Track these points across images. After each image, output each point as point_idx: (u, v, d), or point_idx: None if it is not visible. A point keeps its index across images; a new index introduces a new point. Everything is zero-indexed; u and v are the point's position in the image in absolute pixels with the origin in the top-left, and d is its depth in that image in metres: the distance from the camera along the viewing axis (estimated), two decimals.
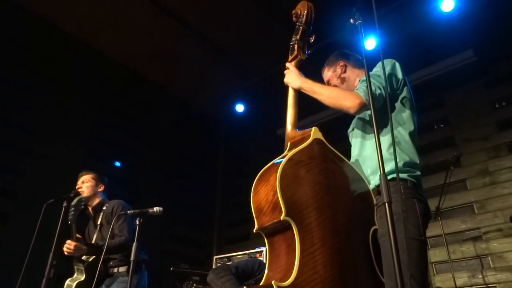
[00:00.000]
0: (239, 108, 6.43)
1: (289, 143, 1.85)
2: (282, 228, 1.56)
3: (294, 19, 2.14)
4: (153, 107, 6.37)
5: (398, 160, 1.73)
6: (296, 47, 2.08)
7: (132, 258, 2.32)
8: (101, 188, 3.32)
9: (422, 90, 5.01)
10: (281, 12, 5.90)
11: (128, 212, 2.68)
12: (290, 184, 1.57)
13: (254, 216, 1.64)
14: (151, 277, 3.25)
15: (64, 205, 2.90)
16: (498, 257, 4.07)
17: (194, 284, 4.02)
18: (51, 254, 2.72)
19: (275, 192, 1.56)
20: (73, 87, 5.34)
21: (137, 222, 2.46)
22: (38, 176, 4.59)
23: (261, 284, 1.53)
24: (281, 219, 1.50)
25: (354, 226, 1.69)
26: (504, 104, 4.65)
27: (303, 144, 1.72)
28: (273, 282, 1.37)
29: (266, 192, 1.61)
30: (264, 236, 1.65)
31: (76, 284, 2.87)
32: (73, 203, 2.94)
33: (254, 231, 1.62)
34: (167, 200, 5.88)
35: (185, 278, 4.16)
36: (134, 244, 2.37)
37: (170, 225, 6.01)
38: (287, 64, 2.07)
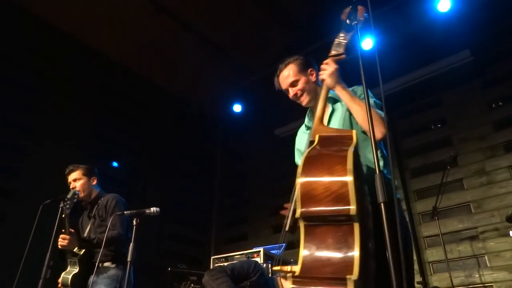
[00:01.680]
0: (237, 108, 6.43)
1: (317, 136, 1.76)
2: (338, 221, 1.51)
3: (344, 17, 1.96)
4: (151, 106, 6.37)
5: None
6: (344, 45, 1.95)
7: (129, 259, 2.32)
8: (94, 181, 3.30)
9: (419, 90, 5.04)
10: (281, 12, 5.92)
11: (125, 212, 2.68)
12: (354, 180, 1.54)
13: (300, 200, 1.54)
14: (148, 277, 3.25)
15: (61, 205, 2.90)
16: (494, 256, 4.09)
17: (192, 284, 4.02)
18: (48, 255, 2.73)
19: (345, 184, 1.51)
20: (71, 87, 5.33)
21: (134, 222, 2.46)
22: (35, 176, 4.58)
23: (298, 273, 1.44)
24: (350, 214, 1.45)
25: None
26: (500, 104, 4.67)
27: (352, 145, 1.66)
28: (347, 276, 1.34)
29: (330, 181, 1.54)
30: (304, 223, 1.54)
31: (72, 276, 2.90)
32: (68, 195, 2.93)
33: (297, 215, 1.52)
34: (165, 200, 5.88)
35: (182, 278, 4.16)
36: (131, 244, 2.37)
37: (168, 225, 6.00)
38: (329, 60, 1.95)
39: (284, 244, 4.87)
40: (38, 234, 2.88)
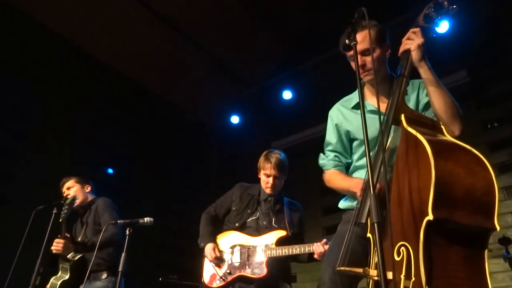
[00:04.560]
0: (234, 119, 6.45)
1: (403, 116, 1.46)
2: (472, 238, 1.24)
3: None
4: (148, 114, 6.37)
5: None
6: (434, 20, 1.69)
7: (120, 269, 2.30)
8: (88, 189, 3.35)
9: None
10: (280, 25, 5.98)
11: (118, 221, 2.66)
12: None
13: (432, 195, 1.16)
14: (139, 287, 3.22)
15: (54, 211, 2.89)
16: None
17: None
18: (38, 261, 2.71)
19: (493, 193, 1.24)
20: (68, 93, 5.32)
21: (127, 232, 2.44)
22: (28, 182, 4.55)
23: None
24: (497, 229, 1.21)
25: None
26: (496, 125, 4.70)
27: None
28: None
29: (474, 182, 1.24)
30: (428, 232, 1.17)
31: (61, 283, 2.87)
32: (67, 201, 2.96)
33: (428, 218, 1.16)
34: (159, 209, 5.84)
35: None
36: (123, 254, 2.35)
37: (161, 234, 5.96)
38: (417, 30, 1.68)
39: None
40: (30, 240, 2.84)
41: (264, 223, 2.75)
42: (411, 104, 1.85)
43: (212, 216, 2.93)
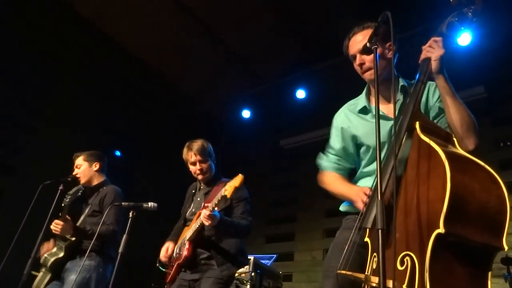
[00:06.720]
0: (246, 113, 6.44)
1: (418, 124, 1.43)
2: (478, 255, 1.23)
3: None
4: (160, 101, 6.40)
5: None
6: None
7: (120, 250, 2.31)
8: (97, 167, 3.24)
9: None
10: (299, 25, 5.94)
11: (122, 204, 2.66)
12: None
13: (445, 208, 1.15)
14: (137, 273, 3.24)
15: (60, 188, 2.90)
16: None
17: None
18: (40, 235, 2.73)
19: (505, 212, 1.24)
20: (83, 71, 5.36)
21: (131, 215, 2.44)
22: (38, 156, 4.61)
23: None
24: (504, 249, 1.19)
25: None
26: (508, 144, 4.65)
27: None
28: None
29: (488, 200, 1.24)
30: (436, 245, 1.17)
31: (54, 260, 2.88)
32: (71, 191, 2.94)
33: (438, 231, 1.16)
34: (162, 195, 5.87)
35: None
36: (125, 236, 2.36)
37: (162, 222, 5.99)
38: (439, 39, 1.63)
39: (275, 255, 4.84)
40: (34, 213, 2.87)
41: (194, 210, 2.85)
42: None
43: (179, 222, 3.08)
